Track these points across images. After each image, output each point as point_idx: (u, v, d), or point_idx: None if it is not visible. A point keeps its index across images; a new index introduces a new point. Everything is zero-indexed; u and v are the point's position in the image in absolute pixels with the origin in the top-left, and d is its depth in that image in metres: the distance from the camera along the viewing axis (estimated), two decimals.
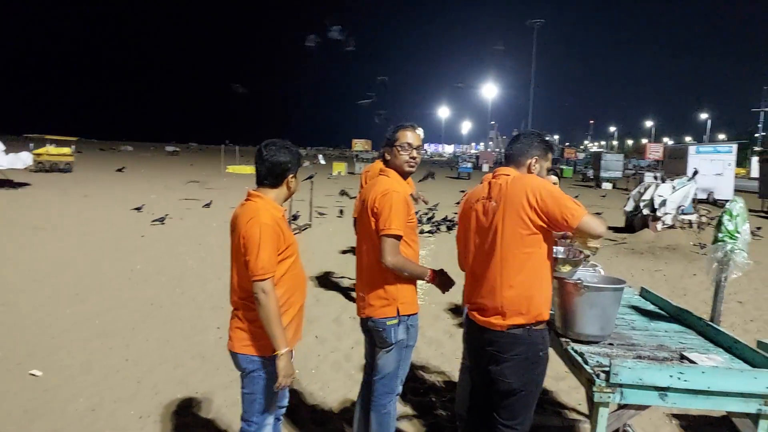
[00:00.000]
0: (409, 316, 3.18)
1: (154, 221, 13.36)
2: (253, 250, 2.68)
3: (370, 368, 3.40)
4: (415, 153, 3.20)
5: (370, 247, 3.16)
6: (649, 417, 4.40)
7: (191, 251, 10.34)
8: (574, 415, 4.38)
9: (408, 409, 4.42)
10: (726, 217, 3.26)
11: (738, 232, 3.22)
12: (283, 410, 3.21)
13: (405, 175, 3.26)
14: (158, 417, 4.16)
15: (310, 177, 14.35)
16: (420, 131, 3.30)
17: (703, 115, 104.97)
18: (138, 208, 15.24)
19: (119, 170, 32.50)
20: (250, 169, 36.84)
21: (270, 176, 2.88)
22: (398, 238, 3.05)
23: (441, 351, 5.71)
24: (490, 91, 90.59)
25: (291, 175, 2.92)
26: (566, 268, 3.05)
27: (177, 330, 6.03)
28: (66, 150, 30.43)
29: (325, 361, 5.36)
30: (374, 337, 3.22)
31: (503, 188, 2.76)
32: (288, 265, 2.86)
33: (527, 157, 2.94)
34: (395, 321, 3.13)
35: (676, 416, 4.42)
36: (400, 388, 3.33)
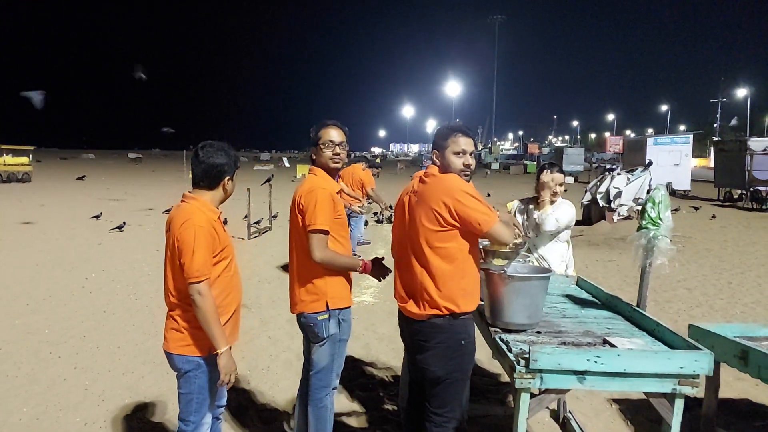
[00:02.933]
0: (340, 310, 3.23)
1: (112, 229, 13.20)
2: (188, 253, 2.69)
3: (308, 363, 3.44)
4: (338, 149, 3.25)
5: (299, 243, 3.21)
6: (590, 402, 4.52)
7: (148, 258, 10.24)
8: None
9: (355, 405, 4.47)
10: (649, 205, 3.37)
11: (660, 219, 3.33)
12: (222, 410, 3.23)
13: (332, 173, 3.31)
14: (104, 423, 4.14)
15: (268, 180, 14.30)
16: (343, 129, 3.33)
17: (664, 107, 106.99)
18: (96, 216, 15.02)
19: (80, 179, 31.97)
20: None
21: (206, 178, 2.88)
22: (325, 233, 3.09)
23: (392, 347, 5.77)
24: (453, 89, 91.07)
25: (227, 178, 2.92)
26: (498, 262, 3.14)
27: (128, 336, 5.99)
28: (23, 159, 29.84)
29: (277, 361, 5.38)
30: (308, 332, 3.28)
31: (427, 184, 2.88)
32: (223, 267, 2.88)
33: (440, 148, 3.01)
34: (326, 316, 3.18)
35: (616, 401, 4.54)
36: (336, 382, 3.36)
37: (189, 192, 2.91)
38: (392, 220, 3.26)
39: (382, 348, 5.75)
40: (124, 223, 13.67)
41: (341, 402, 4.49)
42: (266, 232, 13.56)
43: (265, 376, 5.04)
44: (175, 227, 2.77)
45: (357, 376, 5.05)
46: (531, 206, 4.37)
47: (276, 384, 4.87)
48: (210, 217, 2.81)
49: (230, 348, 2.85)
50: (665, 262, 3.40)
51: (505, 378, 4.94)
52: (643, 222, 3.37)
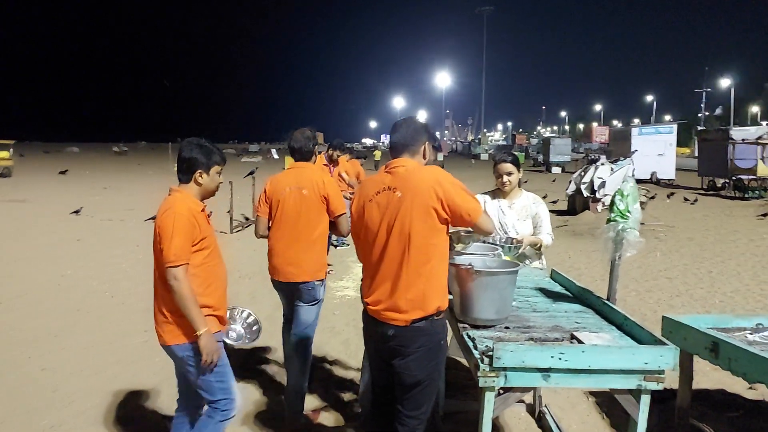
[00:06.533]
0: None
1: (147, 219, 13.22)
2: (166, 238, 2.80)
3: (288, 323, 4.18)
4: None
5: (314, 225, 3.96)
6: (567, 395, 4.49)
7: (127, 253, 10.12)
8: None
9: (316, 402, 4.44)
10: (617, 197, 3.32)
11: (629, 212, 3.28)
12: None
13: None
14: (71, 426, 4.06)
15: (251, 173, 14.19)
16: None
17: (649, 97, 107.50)
18: (76, 212, 14.85)
19: (62, 173, 31.63)
20: None
21: (180, 171, 3.03)
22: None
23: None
24: (443, 80, 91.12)
25: (199, 171, 3.00)
26: (460, 246, 3.31)
27: (102, 335, 5.89)
28: (4, 154, 29.41)
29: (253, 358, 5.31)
30: (304, 295, 3.99)
31: (407, 178, 2.70)
32: (204, 257, 2.96)
33: (420, 143, 2.90)
34: (321, 281, 4.05)
35: (593, 393, 4.51)
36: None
37: (174, 186, 3.05)
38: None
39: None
40: (154, 217, 13.70)
41: (314, 402, 4.45)
42: (249, 226, 13.43)
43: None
44: (157, 217, 2.92)
45: (334, 373, 5.00)
46: (498, 198, 4.24)
47: (253, 380, 4.80)
48: (191, 207, 2.92)
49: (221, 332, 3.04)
50: (634, 254, 3.35)
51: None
52: (612, 215, 3.32)
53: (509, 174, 4.09)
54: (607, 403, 4.36)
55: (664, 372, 2.53)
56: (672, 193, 20.27)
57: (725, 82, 78.83)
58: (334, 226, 4.06)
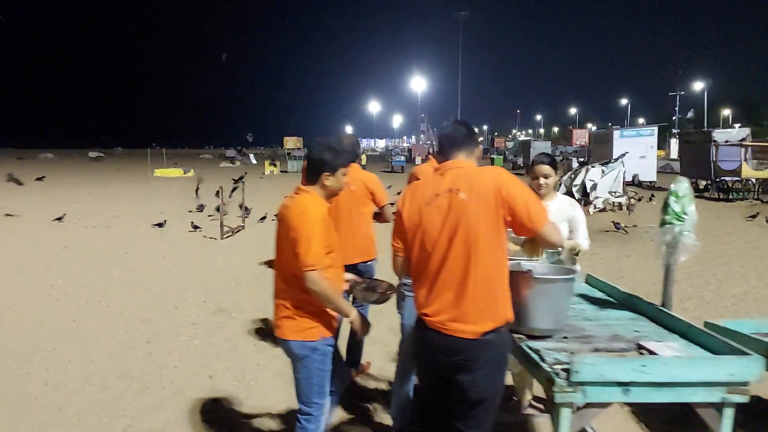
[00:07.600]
0: None
1: (154, 224, 13.37)
2: (304, 243, 2.82)
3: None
4: None
5: (363, 213, 4.52)
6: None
7: (117, 261, 9.78)
8: (528, 410, 4.25)
9: (350, 414, 4.26)
10: (672, 199, 3.17)
11: (685, 214, 3.14)
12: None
13: None
14: None
15: (241, 178, 13.93)
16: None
17: (623, 101, 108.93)
18: (59, 218, 14.40)
19: (39, 179, 30.86)
20: (178, 172, 35.70)
21: (310, 173, 3.04)
22: None
23: (385, 350, 5.48)
24: (418, 84, 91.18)
25: (326, 174, 3.01)
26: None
27: (102, 348, 5.60)
28: None
29: (266, 371, 5.07)
30: (363, 272, 4.40)
31: (469, 179, 2.53)
32: (332, 259, 2.99)
33: (475, 143, 2.78)
34: (374, 260, 4.65)
35: (627, 403, 4.35)
36: None
37: (302, 185, 3.06)
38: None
39: (375, 352, 5.45)
40: (165, 221, 13.77)
41: (338, 412, 4.25)
42: (239, 231, 13.12)
43: (254, 387, 4.73)
44: (291, 218, 2.90)
45: (357, 382, 4.79)
46: None
47: (266, 395, 4.58)
48: (323, 212, 2.96)
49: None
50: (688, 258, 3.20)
51: (508, 381, 4.73)
52: (667, 217, 3.16)
53: (546, 176, 3.92)
54: (644, 412, 4.21)
55: (748, 384, 2.38)
56: (652, 195, 20.29)
57: (698, 86, 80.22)
58: (379, 215, 4.66)
